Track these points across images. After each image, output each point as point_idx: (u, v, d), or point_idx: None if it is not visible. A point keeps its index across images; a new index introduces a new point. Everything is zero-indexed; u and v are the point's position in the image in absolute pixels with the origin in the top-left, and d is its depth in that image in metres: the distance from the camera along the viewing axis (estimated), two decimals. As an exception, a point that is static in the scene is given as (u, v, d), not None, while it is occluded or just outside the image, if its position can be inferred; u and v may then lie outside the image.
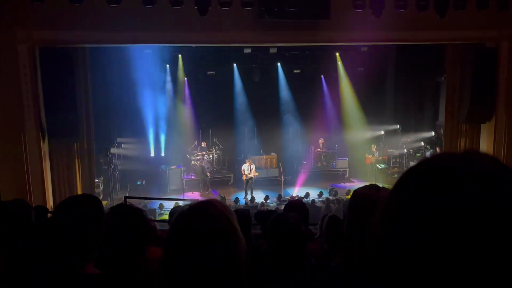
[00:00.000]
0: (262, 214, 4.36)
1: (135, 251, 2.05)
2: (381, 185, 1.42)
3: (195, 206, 1.23)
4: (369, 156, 15.06)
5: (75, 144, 10.19)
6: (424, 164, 0.64)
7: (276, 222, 2.35)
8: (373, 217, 0.75)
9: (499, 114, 10.60)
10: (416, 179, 0.63)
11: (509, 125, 10.54)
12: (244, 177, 13.27)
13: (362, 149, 15.38)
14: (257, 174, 13.55)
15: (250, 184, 13.26)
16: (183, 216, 1.21)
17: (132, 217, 2.11)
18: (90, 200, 1.73)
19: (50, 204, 9.37)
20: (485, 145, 11.01)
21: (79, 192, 10.19)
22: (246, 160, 13.52)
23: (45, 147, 9.50)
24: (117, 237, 1.97)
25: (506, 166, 0.62)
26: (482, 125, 11.16)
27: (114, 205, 2.38)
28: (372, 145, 15.22)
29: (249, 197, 12.85)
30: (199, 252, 1.14)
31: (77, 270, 1.64)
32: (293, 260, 2.22)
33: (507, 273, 0.54)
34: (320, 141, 15.79)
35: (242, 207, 10.33)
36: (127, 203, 2.28)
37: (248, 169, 13.19)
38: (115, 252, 1.97)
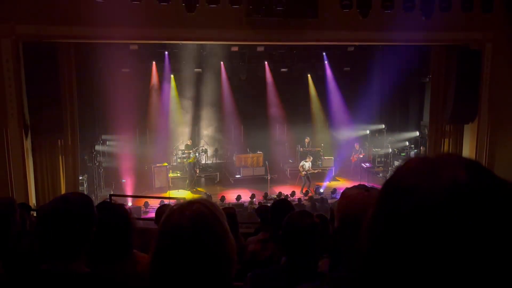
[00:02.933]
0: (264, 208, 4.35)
1: (122, 250, 2.04)
2: (368, 185, 1.43)
3: (185, 205, 1.22)
4: (354, 156, 15.19)
5: (59, 140, 10.03)
6: (404, 169, 0.63)
7: (291, 226, 2.28)
8: (363, 218, 0.74)
9: (482, 115, 10.79)
10: (400, 186, 0.62)
11: (492, 125, 10.74)
12: (303, 174, 13.54)
13: (348, 148, 15.50)
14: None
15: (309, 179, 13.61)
16: (173, 215, 1.20)
17: (117, 215, 2.10)
18: (81, 198, 1.71)
19: (32, 201, 9.22)
20: (468, 145, 11.20)
21: (63, 189, 10.04)
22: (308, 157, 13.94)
23: (28, 144, 9.35)
24: (103, 235, 1.94)
25: (481, 168, 0.61)
26: (466, 126, 11.35)
27: (98, 202, 2.33)
28: (356, 144, 15.35)
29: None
30: (189, 252, 1.13)
31: (67, 269, 1.62)
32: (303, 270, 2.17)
33: (506, 274, 0.54)
34: (306, 140, 15.85)
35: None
36: (112, 201, 2.28)
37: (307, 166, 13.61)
38: (102, 251, 1.96)
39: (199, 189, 13.73)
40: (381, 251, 0.60)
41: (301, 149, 15.77)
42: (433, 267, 0.55)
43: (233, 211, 4.19)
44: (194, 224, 1.16)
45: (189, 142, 14.88)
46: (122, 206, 2.33)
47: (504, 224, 0.55)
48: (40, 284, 1.60)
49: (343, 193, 1.36)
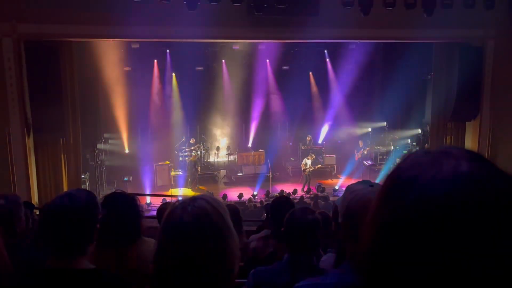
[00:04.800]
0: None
1: (133, 233, 2.14)
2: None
3: (188, 201, 1.21)
4: (357, 153, 15.12)
5: (61, 139, 10.04)
6: (403, 165, 0.63)
7: (292, 222, 2.28)
8: (366, 213, 0.74)
9: (484, 112, 10.77)
10: (399, 182, 0.62)
11: (494, 123, 10.71)
12: (306, 172, 13.56)
13: (350, 146, 15.48)
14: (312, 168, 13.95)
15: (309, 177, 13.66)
16: (175, 211, 1.20)
17: (128, 205, 2.21)
18: (85, 195, 1.72)
19: (35, 200, 9.24)
20: (470, 142, 11.17)
21: (65, 187, 10.06)
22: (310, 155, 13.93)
23: (30, 142, 9.36)
24: (116, 220, 2.06)
25: (482, 159, 0.61)
26: (468, 123, 11.33)
27: (107, 194, 2.50)
28: (360, 141, 15.29)
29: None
30: (192, 248, 1.13)
31: (71, 266, 1.63)
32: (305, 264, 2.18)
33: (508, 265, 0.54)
34: (308, 138, 15.84)
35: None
36: (118, 190, 2.47)
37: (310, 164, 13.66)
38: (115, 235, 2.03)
39: (200, 187, 13.74)
40: (384, 244, 0.60)
41: (302, 147, 15.77)
42: (436, 258, 0.55)
43: (236, 207, 4.20)
44: (196, 220, 1.16)
45: (192, 141, 14.89)
46: (131, 195, 2.46)
47: (506, 214, 0.55)
48: (45, 282, 1.61)
49: (347, 188, 1.37)
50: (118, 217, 2.23)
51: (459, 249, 0.54)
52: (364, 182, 1.36)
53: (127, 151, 14.39)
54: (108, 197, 2.39)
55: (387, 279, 0.59)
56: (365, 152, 14.96)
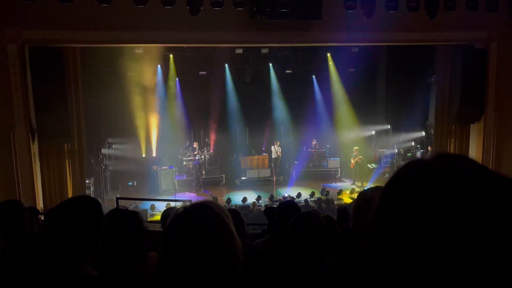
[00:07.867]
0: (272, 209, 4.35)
1: (137, 257, 2.05)
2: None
3: (191, 208, 1.22)
4: (353, 160, 14.64)
5: (66, 144, 10.08)
6: (402, 172, 0.65)
7: (299, 225, 2.28)
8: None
9: (488, 114, 10.72)
10: (397, 189, 0.63)
11: (498, 125, 10.67)
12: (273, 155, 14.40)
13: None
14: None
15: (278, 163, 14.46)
16: (179, 218, 1.20)
17: (131, 222, 2.12)
18: (89, 202, 1.72)
19: (40, 205, 9.27)
20: (474, 145, 11.13)
21: (70, 193, 10.09)
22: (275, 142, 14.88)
23: (35, 148, 9.40)
24: (118, 243, 1.97)
25: (476, 165, 0.63)
26: (472, 125, 11.28)
27: (111, 209, 2.38)
28: (354, 148, 14.66)
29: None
30: (195, 255, 1.14)
31: (74, 271, 1.63)
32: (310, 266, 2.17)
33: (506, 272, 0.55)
34: (313, 142, 15.82)
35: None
36: (121, 207, 2.31)
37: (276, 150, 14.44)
38: (116, 258, 1.97)
39: (204, 191, 13.75)
40: (384, 245, 0.61)
41: (309, 150, 15.75)
42: (436, 258, 0.56)
43: (237, 211, 4.20)
44: (199, 226, 1.16)
45: (195, 145, 14.91)
46: (134, 213, 2.38)
47: (503, 215, 0.56)
48: (48, 286, 1.62)
49: (360, 194, 1.37)
50: (121, 238, 2.16)
51: (459, 249, 0.55)
52: (376, 188, 1.37)
53: (130, 156, 14.43)
54: (112, 214, 2.32)
55: (388, 279, 0.60)
56: (359, 160, 14.48)
